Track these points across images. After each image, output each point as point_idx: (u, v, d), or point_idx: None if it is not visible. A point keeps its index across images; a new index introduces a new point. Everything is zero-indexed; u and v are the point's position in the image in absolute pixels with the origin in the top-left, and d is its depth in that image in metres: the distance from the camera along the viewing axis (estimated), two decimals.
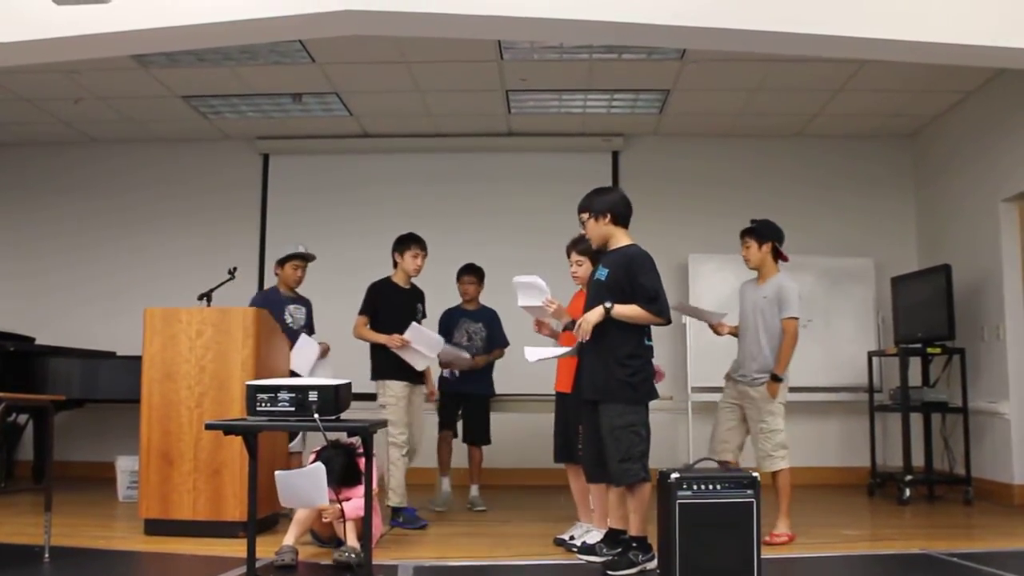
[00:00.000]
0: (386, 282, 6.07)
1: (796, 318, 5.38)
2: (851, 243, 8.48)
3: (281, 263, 6.40)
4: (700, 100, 7.88)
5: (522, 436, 7.38)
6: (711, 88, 7.59)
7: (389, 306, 5.98)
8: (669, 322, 4.53)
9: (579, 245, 5.21)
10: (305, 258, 6.41)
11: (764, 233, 5.53)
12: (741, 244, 5.61)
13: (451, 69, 7.26)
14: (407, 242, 6.06)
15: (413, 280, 6.10)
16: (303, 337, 6.17)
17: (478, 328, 6.74)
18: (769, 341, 5.39)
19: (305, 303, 6.48)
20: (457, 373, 6.65)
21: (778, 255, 5.55)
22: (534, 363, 4.79)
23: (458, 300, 6.88)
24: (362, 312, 6.01)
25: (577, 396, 4.85)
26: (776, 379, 5.35)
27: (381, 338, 5.87)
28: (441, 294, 6.71)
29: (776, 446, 5.27)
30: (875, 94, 7.60)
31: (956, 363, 7.30)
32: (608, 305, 4.44)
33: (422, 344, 5.87)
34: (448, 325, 6.71)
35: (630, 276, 4.47)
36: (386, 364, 5.89)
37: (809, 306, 8.26)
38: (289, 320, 6.29)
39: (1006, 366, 7.02)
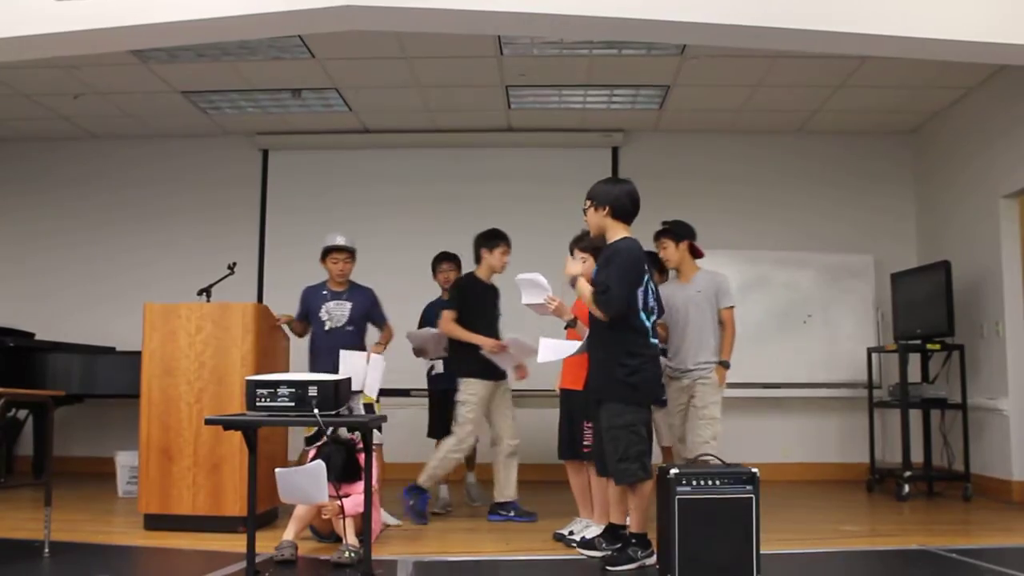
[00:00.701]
0: (471, 277, 6.02)
1: (734, 307, 5.61)
2: (851, 239, 8.49)
3: (322, 258, 6.10)
4: (700, 96, 7.87)
5: (521, 432, 7.38)
6: (711, 84, 7.59)
7: (474, 302, 5.92)
8: (607, 317, 4.43)
9: (581, 242, 5.20)
10: (343, 250, 6.03)
11: (680, 232, 5.66)
12: (657, 246, 5.71)
13: (451, 65, 7.26)
14: (495, 239, 5.98)
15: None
16: (342, 354, 5.62)
17: None
18: (714, 332, 5.56)
19: (357, 296, 6.07)
20: (442, 368, 6.38)
21: (694, 251, 5.69)
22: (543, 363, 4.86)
23: None
24: (451, 307, 5.93)
25: (586, 395, 4.84)
26: (726, 365, 5.55)
27: (477, 339, 5.77)
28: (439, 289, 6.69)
29: (712, 435, 5.36)
30: (876, 90, 7.60)
31: (955, 359, 7.30)
32: (578, 274, 4.63)
33: (517, 349, 5.78)
34: (430, 318, 6.44)
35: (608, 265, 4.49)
36: (471, 362, 5.82)
37: (809, 302, 8.31)
38: (325, 317, 5.99)
39: (1005, 363, 7.02)
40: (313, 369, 5.84)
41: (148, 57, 6.97)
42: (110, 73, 7.30)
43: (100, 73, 7.29)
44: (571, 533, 5.11)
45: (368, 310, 6.09)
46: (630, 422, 4.39)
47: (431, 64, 7.23)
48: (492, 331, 5.92)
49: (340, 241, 6.03)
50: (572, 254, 5.33)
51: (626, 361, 4.41)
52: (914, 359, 7.58)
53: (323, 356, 5.81)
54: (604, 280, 4.41)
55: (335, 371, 5.59)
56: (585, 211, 4.65)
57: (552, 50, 6.97)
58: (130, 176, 8.96)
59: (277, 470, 3.55)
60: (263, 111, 8.33)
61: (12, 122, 8.51)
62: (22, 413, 7.81)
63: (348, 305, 6.02)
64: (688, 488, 3.98)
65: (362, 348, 5.84)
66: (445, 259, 6.63)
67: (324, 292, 6.05)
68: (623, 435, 4.38)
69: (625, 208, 4.56)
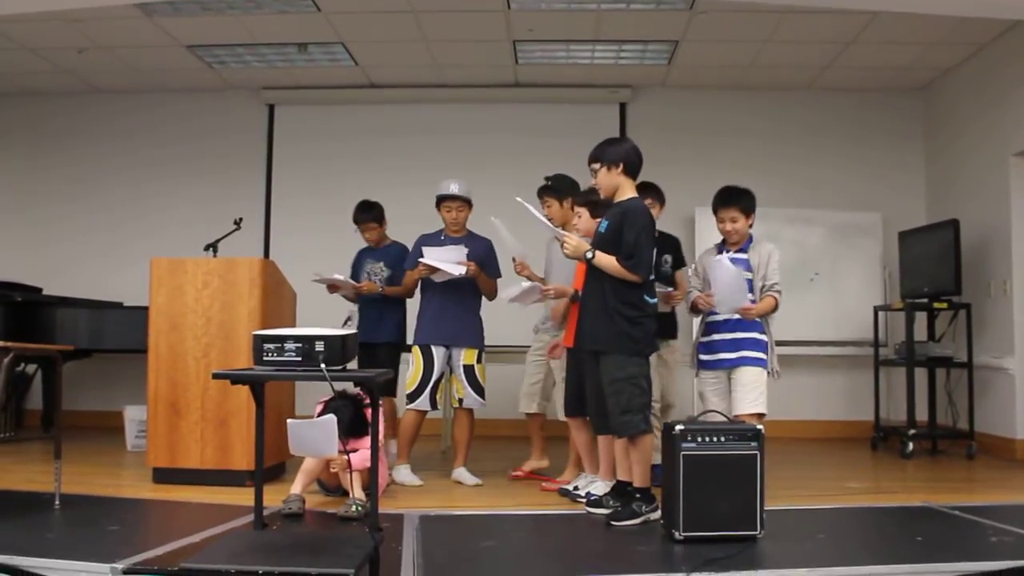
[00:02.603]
0: None
1: None
2: (859, 197, 8.45)
3: (436, 205, 5.88)
4: (709, 51, 7.80)
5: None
6: (720, 39, 7.51)
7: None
8: (642, 280, 4.45)
9: (583, 196, 5.19)
10: (457, 198, 5.79)
11: (562, 189, 5.59)
12: (542, 204, 5.64)
13: (458, 19, 7.19)
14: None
15: None
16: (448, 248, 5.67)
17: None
18: None
19: (474, 244, 5.79)
20: (355, 316, 6.04)
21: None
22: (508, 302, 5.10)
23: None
24: None
25: (579, 348, 4.85)
26: None
27: None
28: None
29: None
30: (886, 46, 7.52)
31: (962, 318, 7.30)
32: (590, 255, 4.48)
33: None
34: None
35: (622, 229, 4.47)
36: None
37: (816, 260, 8.29)
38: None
39: (1012, 322, 7.02)
40: (423, 315, 5.79)
41: (153, 11, 6.91)
42: (114, 27, 7.25)
43: (104, 27, 7.23)
44: (576, 488, 5.15)
45: (484, 259, 5.80)
46: (632, 374, 4.42)
47: (438, 18, 7.17)
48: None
49: (454, 190, 5.80)
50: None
51: (627, 313, 4.44)
52: (920, 318, 7.57)
53: (434, 301, 5.76)
54: (630, 242, 4.41)
55: (450, 316, 5.68)
56: (595, 174, 4.63)
57: (560, 4, 6.90)
58: (135, 131, 8.94)
59: (289, 421, 3.56)
60: (269, 65, 8.28)
61: (16, 76, 8.47)
62: (31, 368, 7.86)
63: (466, 251, 5.71)
64: (693, 444, 3.99)
65: (476, 296, 5.80)
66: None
67: (443, 238, 5.85)
68: (626, 387, 4.41)
69: (635, 164, 4.60)
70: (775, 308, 4.83)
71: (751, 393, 4.78)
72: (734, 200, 4.89)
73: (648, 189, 5.24)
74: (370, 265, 6.26)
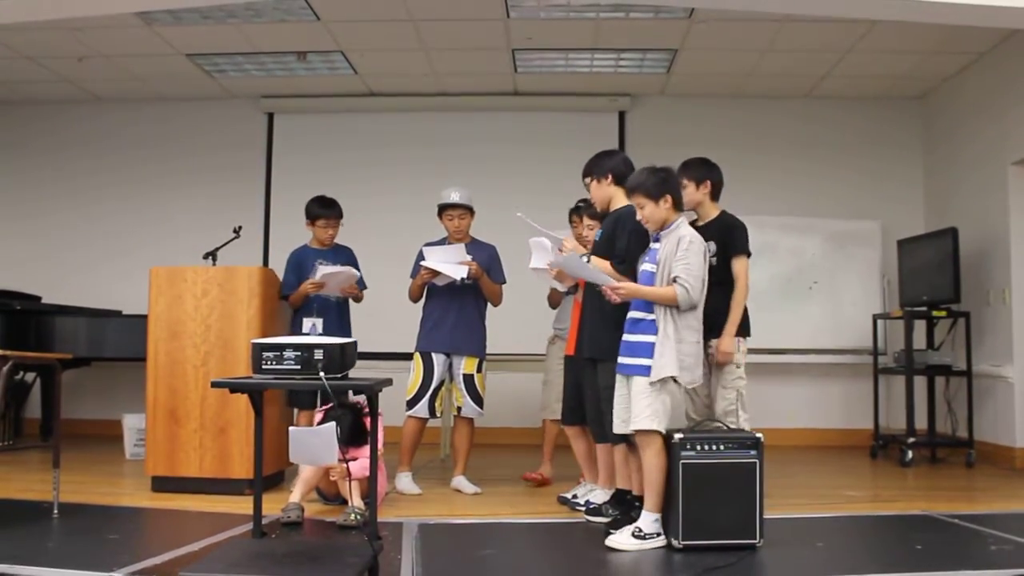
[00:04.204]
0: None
1: None
2: (858, 205, 8.45)
3: (438, 214, 5.79)
4: (708, 60, 7.81)
5: (520, 395, 7.40)
6: (719, 48, 7.52)
7: None
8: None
9: (590, 210, 5.21)
10: (458, 206, 5.72)
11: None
12: (571, 224, 5.65)
13: (457, 27, 7.20)
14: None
15: None
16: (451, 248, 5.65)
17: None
18: None
19: (478, 251, 5.70)
20: (320, 328, 5.73)
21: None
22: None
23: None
24: None
25: (578, 355, 4.86)
26: None
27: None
28: None
29: None
30: (885, 55, 7.54)
31: (961, 327, 7.29)
32: (585, 259, 4.52)
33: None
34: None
35: (614, 235, 4.51)
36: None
37: (815, 268, 8.29)
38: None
39: (1011, 330, 7.01)
40: (425, 321, 5.75)
41: (153, 19, 6.92)
42: (115, 36, 7.25)
43: (105, 35, 7.24)
44: (575, 497, 5.15)
45: (488, 265, 5.73)
46: None
47: (437, 27, 7.18)
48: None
49: (455, 198, 5.72)
50: (571, 222, 5.35)
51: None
52: (920, 326, 7.57)
53: (437, 308, 5.73)
54: (622, 248, 4.43)
55: (451, 323, 5.64)
56: (588, 187, 4.74)
57: (559, 13, 6.92)
58: (134, 139, 8.94)
59: (291, 429, 3.57)
60: (268, 74, 8.29)
61: (15, 84, 8.47)
62: (30, 376, 7.85)
63: (465, 251, 5.65)
64: (692, 452, 4.00)
65: (479, 303, 5.76)
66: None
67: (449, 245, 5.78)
68: None
69: (624, 173, 4.65)
70: (675, 299, 4.06)
71: (638, 404, 4.12)
72: (636, 187, 4.23)
73: (688, 168, 4.87)
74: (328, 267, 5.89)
